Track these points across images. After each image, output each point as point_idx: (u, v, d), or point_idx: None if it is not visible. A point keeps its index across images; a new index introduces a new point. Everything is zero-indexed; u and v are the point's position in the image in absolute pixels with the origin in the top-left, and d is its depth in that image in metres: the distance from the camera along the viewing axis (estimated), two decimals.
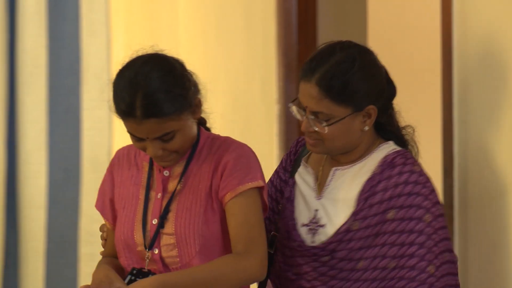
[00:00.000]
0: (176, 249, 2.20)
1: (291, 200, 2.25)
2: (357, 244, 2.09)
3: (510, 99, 2.78)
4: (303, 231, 2.18)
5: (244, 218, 2.18)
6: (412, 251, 2.07)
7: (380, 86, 2.17)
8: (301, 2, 3.72)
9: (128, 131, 2.17)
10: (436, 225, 2.08)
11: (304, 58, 2.97)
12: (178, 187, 2.23)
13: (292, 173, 2.31)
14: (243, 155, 2.22)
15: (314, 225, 2.17)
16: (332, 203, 2.20)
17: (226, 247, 2.23)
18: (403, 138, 2.23)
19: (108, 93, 2.19)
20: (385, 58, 4.79)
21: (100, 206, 2.37)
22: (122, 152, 2.38)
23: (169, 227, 2.20)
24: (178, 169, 2.24)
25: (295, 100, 2.19)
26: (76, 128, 3.98)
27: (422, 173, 2.12)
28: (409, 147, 2.21)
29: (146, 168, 2.28)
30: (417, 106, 4.94)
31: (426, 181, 2.11)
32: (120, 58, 3.86)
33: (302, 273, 2.20)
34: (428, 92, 4.35)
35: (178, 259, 2.20)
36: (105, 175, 2.40)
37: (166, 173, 2.24)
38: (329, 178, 2.21)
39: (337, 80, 2.08)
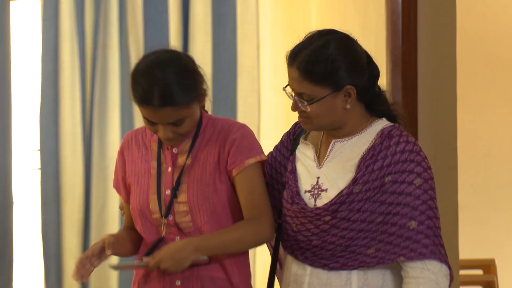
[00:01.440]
0: (189, 215, 2.37)
1: (293, 172, 2.39)
2: (357, 206, 2.23)
3: None
4: (306, 197, 2.32)
5: (252, 188, 2.38)
6: (397, 210, 2.20)
7: (358, 68, 2.29)
8: (405, 13, 3.96)
9: (144, 116, 2.34)
10: (425, 187, 2.22)
11: (408, 57, 3.95)
12: (188, 161, 2.40)
13: (292, 151, 2.45)
14: (247, 134, 2.42)
15: (317, 190, 2.31)
16: (333, 170, 2.31)
17: (232, 213, 2.44)
18: (393, 114, 2.36)
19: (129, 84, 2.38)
20: (474, 58, 4.75)
21: (116, 185, 2.57)
22: (130, 136, 2.57)
23: (182, 197, 2.37)
24: (186, 146, 2.42)
25: (286, 86, 2.33)
26: (233, 112, 4.36)
27: (416, 143, 2.27)
28: (399, 121, 2.36)
29: (155, 147, 2.45)
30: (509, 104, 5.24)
31: (419, 150, 2.26)
32: (267, 58, 4.41)
33: (304, 229, 2.33)
34: None
35: (191, 223, 2.37)
36: (117, 157, 2.57)
37: (175, 150, 2.42)
38: (329, 149, 2.34)
39: (314, 64, 2.21)
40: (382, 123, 2.30)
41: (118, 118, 4.39)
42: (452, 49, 3.94)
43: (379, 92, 2.35)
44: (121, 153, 2.52)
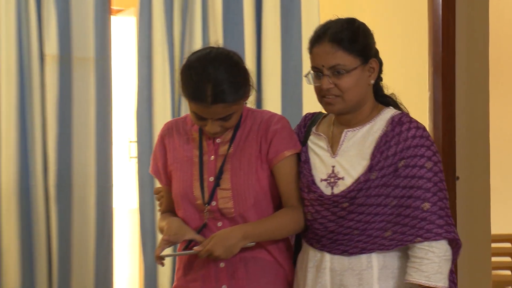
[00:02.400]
0: (232, 201, 2.39)
1: (307, 161, 2.42)
2: (374, 191, 2.27)
3: None
4: (322, 185, 2.36)
5: (291, 177, 2.42)
6: (411, 193, 2.25)
7: (375, 48, 2.41)
8: (444, 24, 4.24)
9: (193, 111, 2.36)
10: (435, 169, 2.27)
11: (447, 62, 4.20)
12: (230, 150, 2.42)
13: (303, 142, 2.48)
14: (286, 126, 2.45)
15: (333, 178, 2.35)
16: (347, 159, 2.35)
17: (272, 199, 2.48)
18: (396, 103, 2.46)
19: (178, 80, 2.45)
20: (504, 62, 5.02)
21: (154, 171, 2.61)
22: (170, 125, 2.60)
23: (225, 184, 2.39)
24: (227, 136, 2.44)
25: (308, 73, 2.39)
26: (299, 109, 4.51)
27: (424, 129, 2.33)
28: (403, 108, 2.46)
29: (197, 136, 2.48)
30: None
31: (428, 135, 2.32)
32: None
33: (320, 217, 2.36)
34: None
35: (233, 209, 2.39)
36: (156, 145, 2.61)
37: (218, 140, 2.45)
38: (342, 139, 2.39)
39: (345, 32, 2.30)
40: (390, 112, 2.38)
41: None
42: (485, 55, 4.28)
43: (380, 82, 2.45)
44: (162, 140, 2.56)
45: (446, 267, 2.24)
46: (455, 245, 2.28)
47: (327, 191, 2.32)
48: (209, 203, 2.38)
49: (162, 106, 4.37)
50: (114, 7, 4.67)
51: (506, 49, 5.46)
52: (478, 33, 4.30)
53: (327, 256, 2.33)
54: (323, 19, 4.49)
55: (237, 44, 4.38)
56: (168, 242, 2.35)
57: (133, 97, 4.56)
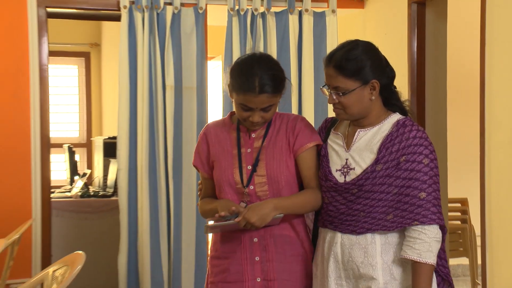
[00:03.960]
0: (267, 185, 2.56)
1: (326, 156, 2.54)
2: (379, 180, 2.36)
3: None
4: (337, 175, 2.46)
5: (312, 164, 2.58)
6: (410, 183, 2.35)
7: (380, 67, 2.41)
8: (418, 60, 5.14)
9: (241, 103, 2.49)
10: (431, 165, 2.36)
11: (419, 86, 5.06)
12: (264, 144, 2.58)
13: (324, 140, 2.59)
14: (308, 124, 2.62)
15: (346, 169, 2.44)
16: (358, 153, 2.43)
17: (298, 183, 2.64)
18: (404, 109, 2.49)
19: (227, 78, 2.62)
20: (454, 81, 5.26)
21: (197, 163, 2.73)
22: (211, 125, 2.74)
23: (261, 171, 2.56)
24: (261, 133, 2.61)
25: (324, 86, 2.46)
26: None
27: (424, 131, 2.40)
28: (409, 115, 2.50)
29: (235, 134, 2.65)
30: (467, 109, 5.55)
31: (426, 137, 2.39)
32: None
33: (334, 201, 2.48)
34: None
35: (268, 192, 2.56)
36: (199, 142, 2.73)
37: (253, 135, 2.60)
38: (355, 137, 2.46)
39: (346, 61, 2.34)
40: (396, 116, 2.46)
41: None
42: (444, 83, 5.24)
43: (394, 90, 2.50)
44: (205, 138, 2.70)
45: (435, 247, 2.34)
46: (442, 230, 2.38)
47: (340, 179, 2.45)
48: (247, 186, 2.56)
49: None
50: (209, 55, 5.54)
51: (458, 78, 5.92)
52: (440, 68, 5.20)
53: (338, 234, 2.46)
54: None
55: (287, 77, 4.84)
56: (224, 216, 2.49)
57: (220, 114, 5.45)
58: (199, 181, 2.83)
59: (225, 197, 2.60)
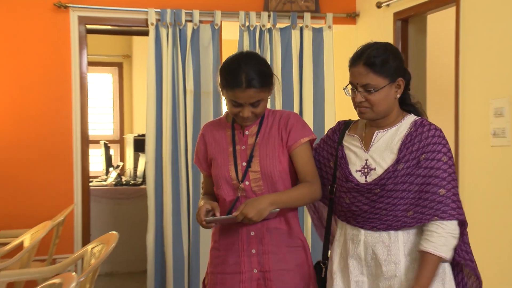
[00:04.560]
0: (261, 181, 2.37)
1: (344, 157, 2.31)
2: (400, 179, 2.16)
3: None
4: (357, 175, 2.24)
5: (307, 159, 2.37)
6: (429, 181, 2.15)
7: (403, 67, 2.23)
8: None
9: (231, 100, 2.31)
10: (449, 163, 2.16)
11: None
12: (257, 141, 2.38)
13: (339, 142, 2.36)
14: (300, 120, 2.42)
15: (366, 169, 2.23)
16: (378, 153, 2.23)
17: (291, 178, 2.44)
18: (418, 110, 2.30)
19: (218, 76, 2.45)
20: (433, 81, 5.05)
21: (197, 162, 2.57)
22: (208, 125, 2.56)
23: (255, 166, 2.36)
24: (254, 130, 2.40)
25: (346, 86, 2.26)
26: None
27: (441, 130, 2.20)
28: (423, 115, 2.31)
29: (230, 132, 2.45)
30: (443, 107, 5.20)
31: (443, 136, 2.20)
32: None
33: (356, 201, 2.24)
34: None
35: (262, 187, 2.37)
36: (198, 141, 2.55)
37: (247, 132, 2.40)
38: (373, 138, 2.25)
39: (377, 59, 2.15)
40: (412, 117, 2.27)
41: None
42: (423, 85, 5.20)
43: (408, 92, 2.31)
44: (202, 138, 2.53)
45: (452, 242, 2.15)
46: (462, 224, 2.19)
47: (361, 180, 2.24)
48: (242, 181, 2.37)
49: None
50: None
51: (435, 82, 5.69)
52: (420, 74, 5.17)
53: (362, 231, 2.26)
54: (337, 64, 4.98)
55: (288, 85, 5.44)
56: (208, 210, 2.36)
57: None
58: (202, 181, 2.70)
59: (222, 192, 2.44)
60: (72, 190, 5.24)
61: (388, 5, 5.21)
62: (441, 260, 2.16)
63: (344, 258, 2.33)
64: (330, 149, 2.42)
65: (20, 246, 3.89)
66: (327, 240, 2.46)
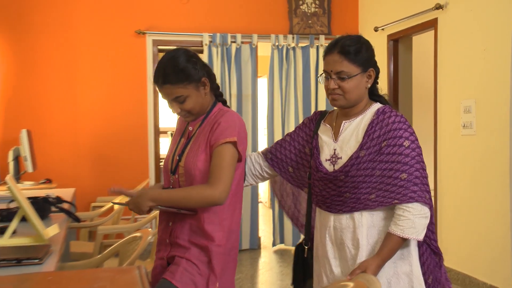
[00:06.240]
0: (184, 176, 1.85)
1: (316, 147, 1.95)
2: (363, 165, 1.80)
3: None
4: (326, 164, 1.89)
5: (218, 161, 1.78)
6: (391, 166, 1.78)
7: (374, 59, 1.87)
8: (394, 75, 5.00)
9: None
10: (412, 146, 1.78)
11: (394, 92, 4.86)
12: (194, 137, 1.89)
13: (314, 131, 1.99)
14: (229, 120, 1.83)
15: (334, 158, 1.88)
16: (344, 142, 1.88)
17: None
18: (385, 100, 1.93)
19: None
20: (418, 87, 4.98)
21: None
22: (179, 119, 2.04)
23: (182, 161, 1.86)
24: (196, 126, 1.92)
25: (321, 75, 1.87)
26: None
27: (402, 116, 1.83)
28: (389, 104, 1.91)
29: (185, 125, 1.99)
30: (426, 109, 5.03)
31: (405, 120, 1.82)
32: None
33: (326, 188, 1.89)
34: None
35: (185, 182, 1.84)
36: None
37: (190, 128, 1.93)
38: (341, 128, 1.90)
39: (351, 47, 1.79)
40: (377, 105, 1.90)
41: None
42: (410, 92, 5.12)
43: (376, 85, 1.94)
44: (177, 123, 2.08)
45: (420, 223, 1.77)
46: (429, 206, 1.79)
47: (330, 168, 1.89)
48: (173, 174, 1.90)
49: (288, 121, 5.21)
50: (258, 74, 5.49)
51: (419, 90, 5.50)
52: (407, 83, 5.13)
53: (331, 217, 1.91)
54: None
55: (307, 91, 5.35)
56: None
57: (265, 113, 5.49)
58: None
59: (163, 180, 1.98)
60: (147, 168, 5.21)
61: (383, 29, 5.18)
62: (405, 241, 1.81)
63: (322, 244, 1.96)
64: (306, 136, 2.04)
65: (111, 208, 3.91)
66: (309, 223, 2.04)
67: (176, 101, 1.85)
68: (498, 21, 3.67)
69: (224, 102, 1.96)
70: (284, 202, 2.20)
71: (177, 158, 1.90)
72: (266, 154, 2.09)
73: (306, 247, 2.04)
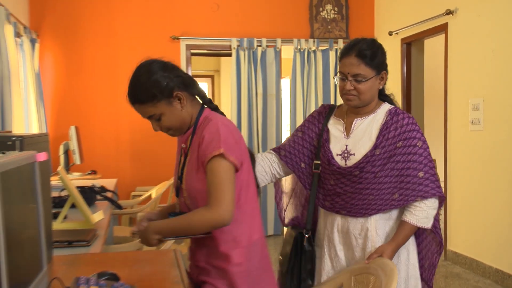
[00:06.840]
0: (189, 199, 1.53)
1: (327, 140, 1.84)
2: (378, 163, 1.75)
3: None
4: (338, 159, 1.80)
5: (211, 179, 1.43)
6: (409, 165, 1.74)
7: (386, 63, 1.80)
8: (407, 76, 4.91)
9: None
10: (424, 146, 1.76)
11: (408, 92, 4.79)
12: (188, 157, 1.54)
13: (324, 124, 1.87)
14: (212, 131, 1.47)
15: (346, 154, 1.79)
16: (357, 140, 1.80)
17: None
18: (392, 100, 1.87)
19: None
20: (429, 87, 4.81)
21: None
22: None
23: (184, 183, 1.54)
24: (188, 142, 1.56)
25: (336, 75, 1.79)
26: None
27: (413, 118, 1.80)
28: (396, 105, 1.86)
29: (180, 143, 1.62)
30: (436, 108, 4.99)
31: (416, 123, 1.79)
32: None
33: (339, 183, 1.79)
34: None
35: (191, 205, 1.53)
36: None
37: (183, 145, 1.58)
38: (353, 125, 1.82)
39: (367, 52, 1.73)
40: (387, 106, 1.84)
41: None
42: (422, 91, 5.06)
43: (384, 86, 1.86)
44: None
45: (432, 213, 1.76)
46: (441, 199, 1.79)
47: (342, 163, 1.81)
48: (178, 197, 1.61)
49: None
50: (282, 75, 5.45)
51: (431, 89, 5.44)
52: (419, 84, 5.06)
53: (339, 216, 1.82)
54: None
55: (326, 92, 5.28)
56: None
57: (288, 111, 5.42)
58: None
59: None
60: None
61: (397, 33, 5.12)
62: (415, 229, 1.78)
63: (329, 232, 1.86)
64: (314, 128, 1.91)
65: (149, 197, 3.99)
66: (310, 214, 1.89)
67: (152, 120, 1.54)
68: (505, 25, 3.66)
69: (213, 108, 1.60)
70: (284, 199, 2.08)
71: (178, 181, 1.58)
72: (280, 151, 1.95)
73: (307, 235, 1.89)
